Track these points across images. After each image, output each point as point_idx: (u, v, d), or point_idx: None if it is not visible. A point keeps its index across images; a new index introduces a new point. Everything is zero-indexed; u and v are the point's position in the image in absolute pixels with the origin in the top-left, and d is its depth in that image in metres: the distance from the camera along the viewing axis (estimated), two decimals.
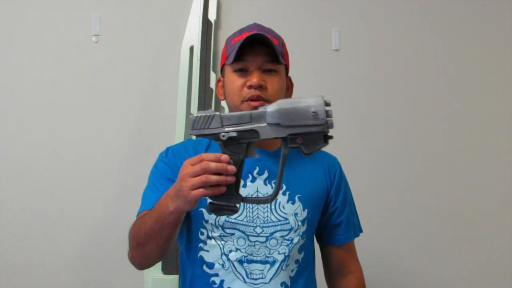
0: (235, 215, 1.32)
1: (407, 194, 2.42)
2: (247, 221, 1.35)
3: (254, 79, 1.34)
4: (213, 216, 1.34)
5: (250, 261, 1.35)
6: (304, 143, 1.06)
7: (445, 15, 2.49)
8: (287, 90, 1.46)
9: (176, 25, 2.27)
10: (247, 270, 1.35)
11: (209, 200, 1.08)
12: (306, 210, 1.40)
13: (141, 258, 1.28)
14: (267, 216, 1.36)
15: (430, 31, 2.48)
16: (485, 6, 2.51)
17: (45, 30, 2.21)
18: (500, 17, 2.53)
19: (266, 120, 1.06)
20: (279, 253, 1.36)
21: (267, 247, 1.36)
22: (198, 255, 1.38)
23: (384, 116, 2.43)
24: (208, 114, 1.07)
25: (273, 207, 1.38)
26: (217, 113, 1.07)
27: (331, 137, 1.06)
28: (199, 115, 1.07)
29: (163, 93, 2.27)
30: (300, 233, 1.38)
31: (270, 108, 1.06)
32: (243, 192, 1.30)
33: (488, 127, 2.49)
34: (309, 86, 2.36)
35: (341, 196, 1.48)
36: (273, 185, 1.38)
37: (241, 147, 1.07)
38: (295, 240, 1.38)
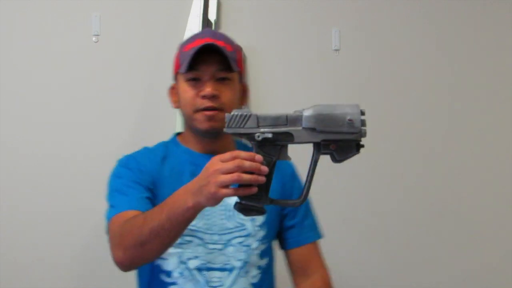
0: (193, 222, 1.31)
1: (407, 195, 2.41)
2: (205, 228, 1.34)
3: (207, 89, 1.33)
4: None
5: (209, 269, 1.34)
6: (336, 149, 1.07)
7: (445, 15, 2.49)
8: (242, 96, 1.44)
9: (176, 25, 2.27)
10: (206, 278, 1.33)
11: (237, 200, 1.07)
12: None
13: (134, 259, 1.22)
14: (224, 223, 1.35)
15: (430, 31, 2.48)
16: (485, 6, 2.51)
17: (45, 30, 2.21)
18: (500, 17, 2.53)
19: (302, 124, 1.06)
20: (236, 260, 1.35)
21: (224, 254, 1.34)
22: (155, 263, 1.35)
23: (384, 116, 2.42)
24: (245, 113, 1.06)
25: (229, 214, 1.35)
26: (254, 112, 1.07)
27: (363, 146, 1.09)
28: (236, 113, 1.07)
29: (163, 93, 2.25)
30: (259, 238, 1.38)
31: (307, 112, 1.07)
32: None
33: (489, 128, 2.49)
34: (309, 86, 2.36)
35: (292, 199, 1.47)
36: None
37: (274, 148, 1.06)
38: (254, 246, 1.37)
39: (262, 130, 1.05)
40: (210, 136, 1.38)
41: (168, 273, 1.34)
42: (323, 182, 2.32)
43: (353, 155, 1.08)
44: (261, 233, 1.38)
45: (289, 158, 1.08)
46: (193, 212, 1.12)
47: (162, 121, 2.24)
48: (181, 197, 1.12)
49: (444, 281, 2.41)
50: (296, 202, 1.10)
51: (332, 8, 2.42)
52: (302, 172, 1.10)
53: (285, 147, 1.07)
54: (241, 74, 1.44)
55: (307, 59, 2.39)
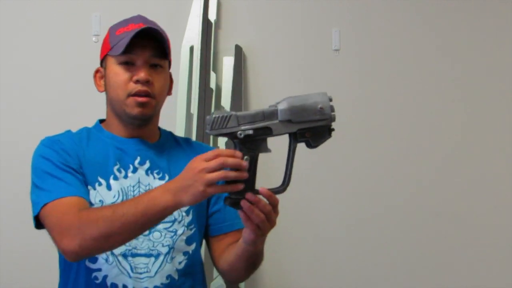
0: None
1: (407, 194, 2.41)
2: None
3: (142, 74, 1.33)
4: None
5: (134, 255, 1.31)
6: (311, 137, 1.14)
7: (445, 15, 2.49)
8: (170, 85, 1.45)
9: (176, 25, 2.27)
10: (132, 264, 1.31)
11: (226, 195, 1.12)
12: None
13: (93, 250, 1.20)
14: None
15: (430, 31, 2.48)
16: (485, 6, 2.51)
17: (45, 30, 2.22)
18: (500, 17, 2.53)
19: (278, 117, 1.14)
20: (163, 246, 1.33)
21: (150, 240, 1.33)
22: None
23: (384, 116, 2.43)
24: (225, 115, 1.11)
25: None
26: (233, 112, 1.12)
27: (333, 129, 1.15)
28: (217, 115, 1.11)
29: None
30: (185, 224, 1.36)
31: (281, 106, 1.14)
32: (121, 183, 1.32)
33: (489, 128, 2.49)
34: (309, 86, 2.36)
35: None
36: (155, 175, 1.36)
37: (255, 143, 1.12)
38: (180, 231, 1.35)
39: (243, 128, 1.11)
40: (138, 122, 1.38)
41: (93, 260, 1.31)
42: (323, 183, 2.34)
43: (325, 140, 1.15)
44: (188, 219, 1.37)
45: (269, 150, 1.14)
46: (172, 210, 1.15)
47: (162, 121, 2.22)
48: (160, 196, 1.13)
49: (445, 281, 2.41)
50: (280, 190, 1.15)
51: (332, 8, 2.42)
52: (281, 162, 1.16)
53: (265, 140, 1.14)
54: (170, 63, 1.44)
55: (307, 59, 2.39)
